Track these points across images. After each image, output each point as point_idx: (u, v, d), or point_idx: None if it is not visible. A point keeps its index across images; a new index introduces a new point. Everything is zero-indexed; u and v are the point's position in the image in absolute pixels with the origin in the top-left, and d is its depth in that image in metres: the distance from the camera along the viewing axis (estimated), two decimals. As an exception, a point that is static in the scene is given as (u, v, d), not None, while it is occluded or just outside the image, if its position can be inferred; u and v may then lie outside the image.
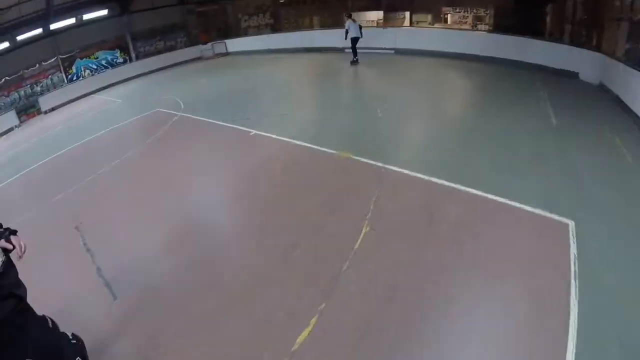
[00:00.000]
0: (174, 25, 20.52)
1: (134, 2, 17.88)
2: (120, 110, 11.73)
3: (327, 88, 9.55)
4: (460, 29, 12.25)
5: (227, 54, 19.46)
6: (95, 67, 18.20)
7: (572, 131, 5.12)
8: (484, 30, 11.87)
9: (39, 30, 14.70)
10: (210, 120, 7.77)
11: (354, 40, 10.14)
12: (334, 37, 14.18)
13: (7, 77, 15.89)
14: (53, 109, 15.73)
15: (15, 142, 11.59)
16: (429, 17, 15.75)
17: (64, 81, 17.39)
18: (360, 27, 10.18)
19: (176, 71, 17.13)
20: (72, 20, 15.39)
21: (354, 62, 10.57)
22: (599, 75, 7.46)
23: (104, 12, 16.14)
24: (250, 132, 6.56)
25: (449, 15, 14.00)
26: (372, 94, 8.39)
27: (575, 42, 9.05)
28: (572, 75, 8.15)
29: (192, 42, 20.91)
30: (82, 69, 17.86)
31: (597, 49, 7.80)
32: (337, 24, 15.87)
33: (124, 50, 18.85)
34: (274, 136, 6.13)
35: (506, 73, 8.89)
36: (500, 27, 11.15)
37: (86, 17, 15.80)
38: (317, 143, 5.45)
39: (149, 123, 8.90)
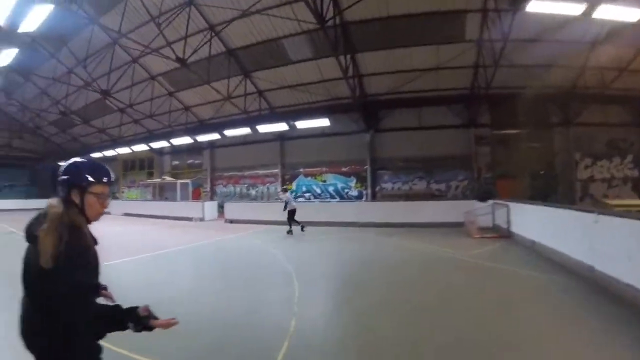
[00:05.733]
0: (450, 159, 12.11)
1: (384, 118, 11.89)
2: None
3: None
4: None
5: (509, 235, 7.92)
6: (319, 192, 13.61)
7: None
8: None
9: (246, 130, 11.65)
10: None
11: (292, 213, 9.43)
12: None
13: (231, 172, 15.07)
14: (232, 221, 12.22)
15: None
16: None
17: (277, 195, 14.07)
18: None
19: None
20: (283, 126, 11.35)
21: (289, 232, 9.35)
22: None
23: (324, 122, 10.94)
24: None
25: None
26: None
27: None
28: None
29: (480, 193, 10.68)
30: (303, 189, 13.79)
31: None
32: None
33: (362, 180, 13.09)
34: None
35: None
36: None
37: (302, 125, 11.26)
38: None
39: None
